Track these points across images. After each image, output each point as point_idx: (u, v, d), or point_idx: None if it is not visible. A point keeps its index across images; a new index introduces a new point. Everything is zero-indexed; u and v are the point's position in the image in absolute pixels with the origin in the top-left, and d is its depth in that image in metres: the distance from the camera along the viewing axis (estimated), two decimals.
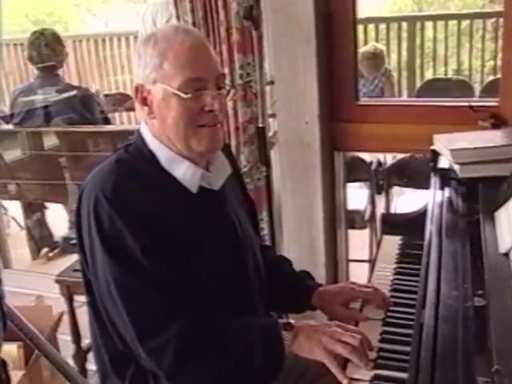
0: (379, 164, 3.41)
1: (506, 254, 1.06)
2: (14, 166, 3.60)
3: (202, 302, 1.21)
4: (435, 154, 1.63)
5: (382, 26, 5.09)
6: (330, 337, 1.17)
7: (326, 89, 2.13)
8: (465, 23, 5.05)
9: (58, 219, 3.90)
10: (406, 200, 3.02)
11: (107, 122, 3.59)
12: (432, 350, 0.90)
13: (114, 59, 5.98)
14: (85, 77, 6.03)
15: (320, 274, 2.28)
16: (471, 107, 1.94)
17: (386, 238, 1.72)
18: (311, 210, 2.24)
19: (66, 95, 3.42)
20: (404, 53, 5.06)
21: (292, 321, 1.24)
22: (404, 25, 5.03)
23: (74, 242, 1.89)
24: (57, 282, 2.30)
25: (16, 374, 1.98)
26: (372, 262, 1.66)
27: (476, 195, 1.38)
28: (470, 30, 5.01)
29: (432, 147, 1.65)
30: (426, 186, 1.66)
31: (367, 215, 3.04)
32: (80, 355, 2.37)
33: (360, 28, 4.55)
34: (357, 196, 3.14)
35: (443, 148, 1.52)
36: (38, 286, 3.00)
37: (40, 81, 3.46)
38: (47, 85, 3.44)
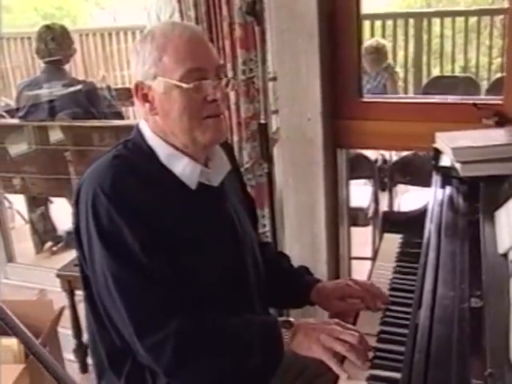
0: (384, 161, 3.41)
1: (505, 255, 1.05)
2: (20, 159, 3.61)
3: (200, 299, 1.21)
4: (437, 152, 1.62)
5: (389, 23, 5.05)
6: (329, 334, 1.18)
7: (328, 85, 2.11)
8: (472, 20, 5.01)
9: (62, 213, 3.90)
10: (410, 198, 3.00)
11: (118, 115, 3.59)
12: (426, 351, 0.89)
13: (120, 54, 5.98)
14: (91, 71, 6.04)
15: (321, 272, 2.27)
16: (475, 105, 1.92)
17: (387, 236, 1.71)
18: (313, 207, 2.23)
19: (71, 89, 3.43)
20: (411, 49, 5.02)
21: (291, 319, 1.24)
22: (411, 21, 4.99)
23: None
24: (58, 276, 2.30)
25: (16, 369, 1.99)
26: (372, 260, 1.65)
27: (477, 194, 1.37)
28: (477, 26, 4.97)
29: (434, 145, 1.63)
30: (430, 184, 1.65)
31: (370, 212, 3.03)
32: (81, 350, 2.38)
33: (367, 24, 4.54)
34: (361, 193, 3.13)
35: (445, 146, 1.51)
36: (41, 280, 3.01)
37: (45, 75, 3.46)
38: (53, 79, 3.44)
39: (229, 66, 2.13)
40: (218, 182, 1.34)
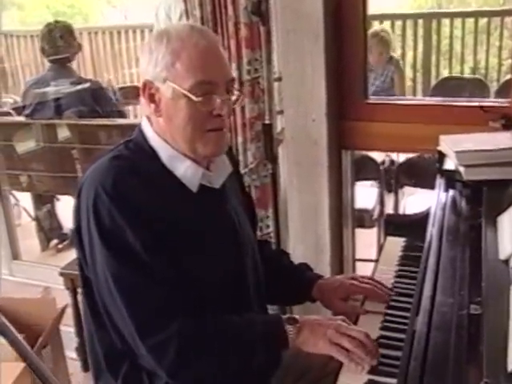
0: (391, 162, 3.38)
1: (506, 261, 1.03)
2: (26, 157, 3.62)
3: (200, 300, 1.20)
4: (441, 155, 1.60)
5: (399, 23, 5.02)
6: (335, 330, 1.16)
7: (334, 86, 2.10)
8: (483, 21, 4.97)
9: (68, 211, 3.88)
10: (416, 200, 2.98)
11: (121, 115, 3.59)
12: (422, 358, 0.87)
13: (129, 52, 5.99)
14: (100, 69, 6.05)
15: (325, 273, 2.24)
16: (482, 107, 1.90)
17: (390, 239, 1.70)
18: (317, 209, 2.22)
19: (79, 87, 3.43)
20: (420, 50, 4.99)
21: (296, 316, 1.23)
22: (420, 22, 4.96)
23: None
24: (61, 274, 2.31)
25: (17, 367, 1.99)
26: (375, 263, 1.64)
27: (481, 198, 1.35)
28: (487, 27, 4.93)
29: (438, 148, 1.61)
30: (434, 187, 1.63)
31: (376, 214, 3.01)
32: (83, 348, 2.38)
33: (376, 25, 4.50)
34: (368, 195, 3.11)
35: (448, 149, 1.49)
36: (46, 278, 3.01)
37: (52, 73, 3.46)
38: (60, 77, 3.44)
39: (234, 65, 2.13)
40: (219, 185, 1.33)
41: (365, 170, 2.89)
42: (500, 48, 4.88)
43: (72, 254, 3.04)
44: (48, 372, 0.87)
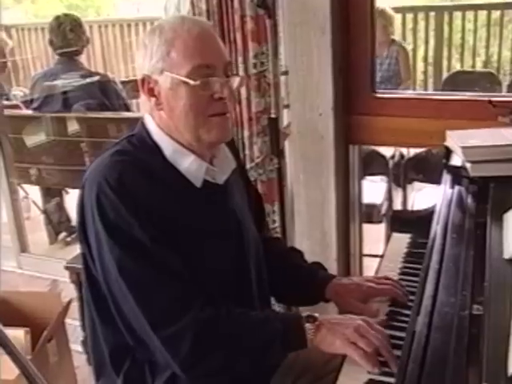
0: (401, 157, 3.35)
1: (511, 260, 1.01)
2: (36, 150, 3.63)
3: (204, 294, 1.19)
4: (448, 151, 1.57)
5: (410, 16, 4.96)
6: (355, 330, 1.13)
7: (341, 80, 2.08)
8: (496, 14, 4.90)
9: None
10: (425, 195, 2.95)
11: (127, 108, 3.58)
12: (421, 360, 0.85)
13: (139, 45, 5.96)
14: (110, 62, 6.04)
15: (331, 269, 2.23)
16: (490, 102, 1.87)
17: (396, 235, 1.68)
18: (324, 204, 2.20)
19: (88, 80, 3.42)
20: (431, 44, 4.93)
21: (316, 314, 1.20)
22: (432, 15, 4.90)
23: None
24: (66, 268, 2.30)
25: None
26: (380, 259, 1.62)
27: (487, 195, 1.32)
28: (500, 20, 4.86)
29: (445, 143, 1.59)
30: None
31: (384, 209, 2.99)
32: None
33: None
34: (376, 190, 3.08)
35: (455, 145, 1.46)
36: (54, 271, 3.02)
37: (60, 66, 3.46)
38: (68, 70, 3.44)
39: (240, 59, 2.11)
40: (222, 180, 1.31)
41: (373, 165, 2.86)
42: None
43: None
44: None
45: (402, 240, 1.63)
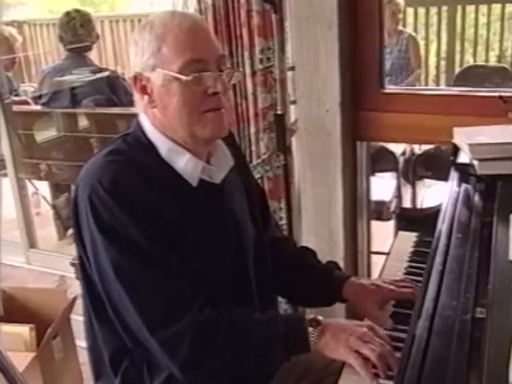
0: (412, 153, 3.32)
1: None
2: (45, 146, 3.63)
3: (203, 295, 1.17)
4: (456, 148, 1.54)
5: (422, 10, 4.90)
6: (359, 338, 1.10)
7: (348, 76, 2.05)
8: (510, 7, 4.82)
9: None
10: (435, 192, 2.90)
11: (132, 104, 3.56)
12: (420, 366, 0.83)
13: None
14: (121, 58, 6.04)
15: None
16: (501, 98, 1.82)
17: (402, 234, 1.65)
18: (331, 201, 2.18)
19: (98, 76, 3.42)
20: (444, 38, 4.87)
21: (320, 317, 1.17)
22: (444, 9, 4.83)
23: None
24: (72, 264, 2.29)
25: (27, 356, 2.00)
26: (385, 258, 1.59)
27: (495, 194, 1.29)
28: None
29: (453, 140, 1.55)
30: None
31: (393, 207, 2.95)
32: None
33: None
34: (386, 187, 3.05)
35: (462, 142, 1.43)
36: (62, 267, 3.01)
37: (68, 62, 3.45)
38: (77, 66, 3.43)
39: (246, 54, 2.09)
40: (219, 179, 1.29)
41: (382, 161, 2.83)
42: None
43: None
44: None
45: (409, 238, 1.60)
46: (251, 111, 2.16)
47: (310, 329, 1.14)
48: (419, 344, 0.88)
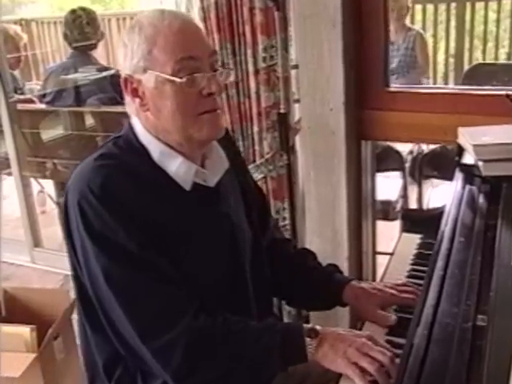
0: (420, 151, 3.29)
1: None
2: (51, 145, 3.63)
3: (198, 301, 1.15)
4: (461, 148, 1.50)
5: (430, 7, 4.84)
6: (357, 349, 1.07)
7: (352, 74, 2.01)
8: None
9: None
10: (440, 192, 2.86)
11: None
12: (417, 377, 0.80)
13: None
14: None
15: (343, 267, 2.17)
16: (508, 96, 1.78)
17: (406, 235, 1.61)
18: (335, 201, 2.15)
19: (104, 74, 3.40)
20: (453, 35, 4.81)
21: (318, 327, 1.14)
22: (453, 5, 4.77)
23: None
24: None
25: (28, 357, 1.98)
26: (388, 260, 1.56)
27: (500, 196, 1.26)
28: None
29: (457, 141, 1.52)
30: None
31: (398, 206, 2.92)
32: None
33: None
34: (392, 186, 3.01)
35: (466, 142, 1.39)
36: (67, 266, 3.00)
37: (74, 60, 3.44)
38: (82, 64, 3.42)
39: (249, 52, 2.06)
40: (214, 183, 1.26)
41: (388, 160, 2.79)
42: None
43: None
44: None
45: (412, 241, 1.56)
46: (254, 110, 2.13)
47: (308, 339, 1.11)
48: (417, 353, 0.85)
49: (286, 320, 2.29)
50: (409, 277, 1.39)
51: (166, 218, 1.16)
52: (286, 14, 2.03)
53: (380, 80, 2.04)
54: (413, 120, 1.99)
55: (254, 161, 2.19)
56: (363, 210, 2.27)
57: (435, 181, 3.01)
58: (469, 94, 1.96)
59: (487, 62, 4.57)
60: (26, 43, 4.56)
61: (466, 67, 4.64)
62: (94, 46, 3.53)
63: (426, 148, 3.25)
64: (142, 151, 1.20)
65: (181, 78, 1.13)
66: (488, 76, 3.73)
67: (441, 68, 5.01)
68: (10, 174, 3.45)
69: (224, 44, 2.07)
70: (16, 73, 4.03)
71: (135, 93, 1.17)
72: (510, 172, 1.30)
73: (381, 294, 1.29)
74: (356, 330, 1.22)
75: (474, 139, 1.36)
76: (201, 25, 1.69)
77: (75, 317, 2.30)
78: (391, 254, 1.58)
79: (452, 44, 4.89)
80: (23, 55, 4.33)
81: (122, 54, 1.17)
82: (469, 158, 1.46)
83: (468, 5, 4.72)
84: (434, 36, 4.82)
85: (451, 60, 4.96)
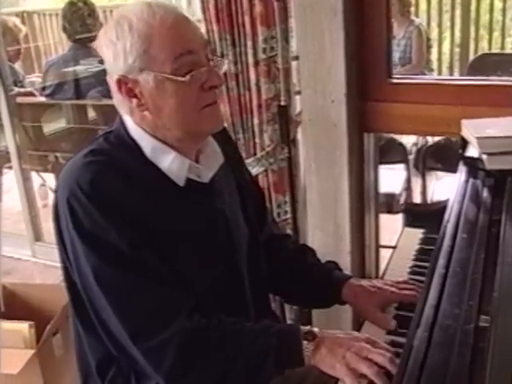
0: (425, 143, 3.25)
1: None
2: (52, 138, 3.61)
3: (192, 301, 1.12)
4: (464, 141, 1.47)
5: None
6: (356, 353, 1.03)
7: (354, 65, 1.97)
8: None
9: None
10: (445, 184, 2.82)
11: None
12: (416, 380, 0.77)
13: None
14: None
15: (345, 261, 2.15)
16: None
17: (408, 230, 1.58)
18: (337, 194, 2.11)
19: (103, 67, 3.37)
20: (458, 24, 4.74)
21: (315, 329, 1.11)
22: None
23: None
24: None
25: (26, 354, 1.97)
26: (390, 255, 1.53)
27: (504, 189, 1.22)
28: None
29: (461, 133, 1.48)
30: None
31: (402, 199, 2.88)
32: None
33: None
34: (396, 179, 2.97)
35: (470, 135, 1.36)
36: None
37: (74, 53, 3.41)
38: (82, 57, 3.39)
39: (249, 43, 2.02)
40: (208, 179, 1.22)
41: (391, 153, 2.75)
42: None
43: None
44: None
45: (415, 235, 1.53)
46: (254, 102, 2.09)
47: (305, 342, 1.08)
48: (417, 356, 0.82)
49: (288, 316, 2.26)
50: (411, 273, 1.35)
51: (159, 215, 1.13)
52: (286, 3, 1.99)
53: (383, 71, 2.00)
54: (416, 112, 1.95)
55: (255, 154, 2.15)
56: (366, 203, 2.24)
57: (439, 173, 2.97)
58: (473, 84, 1.92)
59: (493, 51, 4.51)
60: (28, 34, 4.53)
61: (472, 57, 4.59)
62: (95, 38, 3.48)
63: (430, 140, 3.22)
64: (134, 147, 1.17)
65: (182, 75, 1.10)
66: (493, 66, 3.68)
67: (446, 58, 4.95)
68: (10, 167, 3.43)
69: (223, 35, 2.03)
70: (17, 65, 4.01)
71: (131, 93, 1.12)
72: None
73: (380, 292, 1.26)
74: (358, 326, 1.19)
75: (478, 132, 1.32)
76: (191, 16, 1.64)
77: None
78: (394, 248, 1.55)
79: (457, 34, 4.82)
80: (25, 47, 4.30)
81: (110, 53, 1.11)
82: (473, 151, 1.42)
83: None
84: (439, 26, 4.75)
85: (457, 50, 4.90)
